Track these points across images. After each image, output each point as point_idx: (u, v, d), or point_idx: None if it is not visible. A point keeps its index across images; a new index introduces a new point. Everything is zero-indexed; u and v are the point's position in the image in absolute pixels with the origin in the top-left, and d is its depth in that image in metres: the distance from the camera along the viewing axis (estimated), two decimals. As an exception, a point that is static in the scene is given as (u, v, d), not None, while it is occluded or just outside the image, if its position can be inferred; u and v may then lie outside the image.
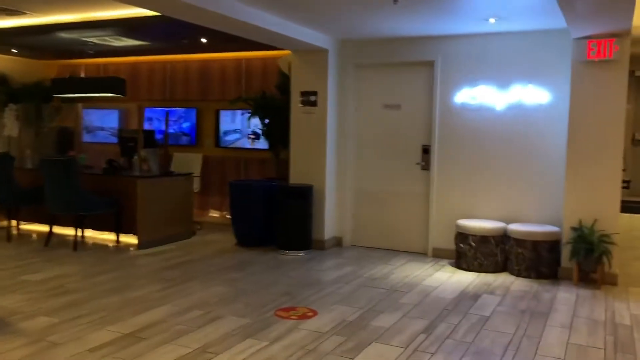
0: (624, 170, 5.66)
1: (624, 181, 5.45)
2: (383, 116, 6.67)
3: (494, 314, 4.41)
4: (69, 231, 7.02)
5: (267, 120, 7.29)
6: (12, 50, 8.54)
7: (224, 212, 8.36)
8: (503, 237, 5.78)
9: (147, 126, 8.81)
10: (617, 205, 5.37)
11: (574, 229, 5.43)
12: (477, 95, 6.13)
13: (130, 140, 7.24)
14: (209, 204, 8.52)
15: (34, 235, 7.18)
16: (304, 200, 6.46)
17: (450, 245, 6.23)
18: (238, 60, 8.17)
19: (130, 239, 6.74)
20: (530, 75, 5.89)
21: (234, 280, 5.20)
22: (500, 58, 6.01)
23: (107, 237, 7.06)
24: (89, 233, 7.16)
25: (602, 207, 5.37)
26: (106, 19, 6.23)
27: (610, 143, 5.34)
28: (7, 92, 8.71)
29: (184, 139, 8.65)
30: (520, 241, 5.60)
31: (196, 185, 7.66)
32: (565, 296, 4.95)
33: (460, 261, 5.90)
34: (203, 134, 8.56)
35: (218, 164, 8.41)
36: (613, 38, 5.20)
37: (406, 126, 6.55)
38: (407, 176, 6.57)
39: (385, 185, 6.69)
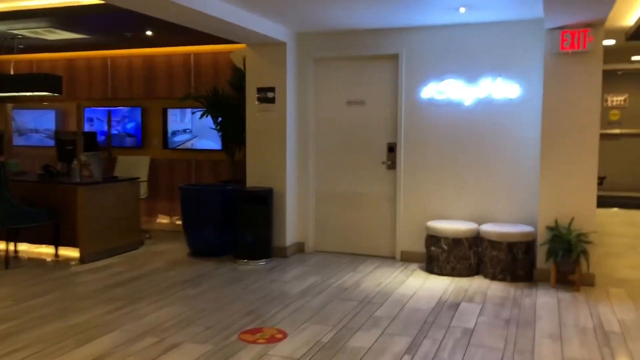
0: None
1: (598, 178, 5.26)
2: (346, 113, 6.27)
3: (478, 325, 4.08)
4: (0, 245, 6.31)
5: (220, 119, 6.77)
6: None
7: (174, 218, 7.79)
8: (476, 239, 5.49)
9: (87, 127, 8.13)
10: (594, 203, 5.17)
11: (549, 228, 5.19)
12: (444, 90, 5.81)
13: (68, 143, 6.60)
14: (158, 209, 7.92)
15: (-40, 252, 6.42)
16: (263, 204, 5.99)
17: (420, 248, 5.90)
18: (187, 55, 7.60)
19: (71, 252, 6.10)
20: (500, 68, 5.62)
21: (190, 298, 4.68)
22: (469, 50, 5.72)
23: (45, 250, 6.37)
24: (24, 247, 6.46)
25: (578, 205, 5.15)
26: (37, 8, 5.58)
27: (586, 138, 5.12)
28: None
29: (129, 141, 8.02)
30: (494, 243, 5.32)
31: (143, 191, 7.07)
32: (546, 301, 4.68)
33: (432, 265, 5.57)
34: (149, 134, 7.95)
35: (167, 167, 7.83)
36: (587, 28, 4.98)
37: (371, 123, 6.18)
38: (373, 176, 6.20)
39: (350, 186, 6.30)
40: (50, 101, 8.34)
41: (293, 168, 6.34)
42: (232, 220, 6.07)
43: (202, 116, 6.97)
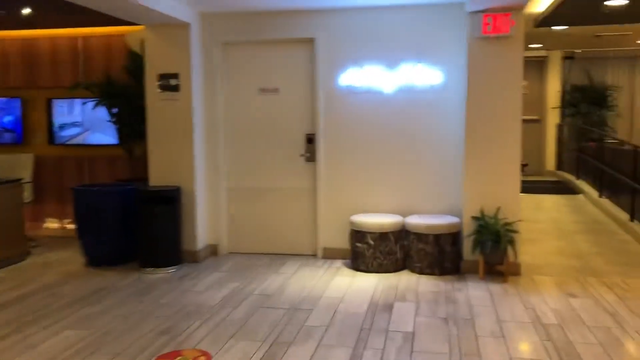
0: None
1: (522, 165, 5.19)
2: (259, 102, 5.79)
3: (417, 327, 3.80)
4: None
5: (116, 110, 6.04)
6: None
7: (65, 221, 6.93)
8: (402, 233, 5.25)
9: (-45, 122, 7.02)
10: (518, 191, 5.09)
11: (475, 218, 5.06)
12: (363, 77, 5.50)
13: None
14: (45, 213, 7.01)
15: None
16: (169, 205, 5.39)
17: (343, 244, 5.58)
18: (74, 38, 6.73)
19: (-61, 271, 5.19)
20: (420, 53, 5.38)
21: (92, 318, 4.03)
22: (389, 35, 5.43)
23: None
24: None
25: (503, 193, 5.06)
26: None
27: (509, 125, 5.04)
28: None
29: (7, 137, 7.01)
30: (421, 236, 5.10)
31: (27, 194, 6.18)
32: (478, 295, 4.52)
33: (358, 262, 5.27)
34: (32, 129, 6.99)
35: (54, 165, 6.93)
36: (509, 12, 4.86)
37: (287, 113, 5.74)
38: (290, 170, 5.78)
39: (265, 182, 5.84)
40: None
41: (202, 163, 5.77)
42: (134, 224, 5.41)
43: (95, 107, 6.19)
